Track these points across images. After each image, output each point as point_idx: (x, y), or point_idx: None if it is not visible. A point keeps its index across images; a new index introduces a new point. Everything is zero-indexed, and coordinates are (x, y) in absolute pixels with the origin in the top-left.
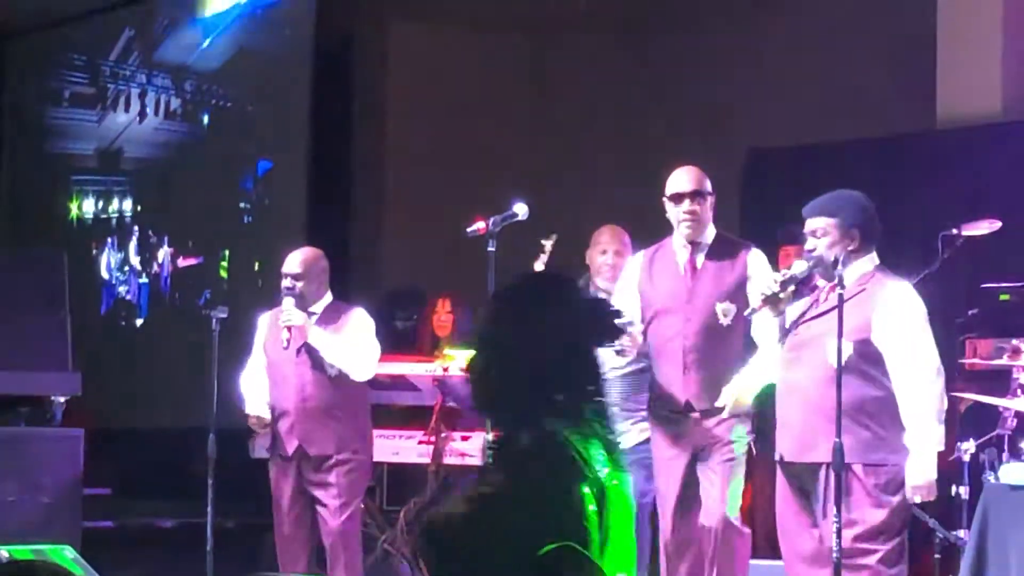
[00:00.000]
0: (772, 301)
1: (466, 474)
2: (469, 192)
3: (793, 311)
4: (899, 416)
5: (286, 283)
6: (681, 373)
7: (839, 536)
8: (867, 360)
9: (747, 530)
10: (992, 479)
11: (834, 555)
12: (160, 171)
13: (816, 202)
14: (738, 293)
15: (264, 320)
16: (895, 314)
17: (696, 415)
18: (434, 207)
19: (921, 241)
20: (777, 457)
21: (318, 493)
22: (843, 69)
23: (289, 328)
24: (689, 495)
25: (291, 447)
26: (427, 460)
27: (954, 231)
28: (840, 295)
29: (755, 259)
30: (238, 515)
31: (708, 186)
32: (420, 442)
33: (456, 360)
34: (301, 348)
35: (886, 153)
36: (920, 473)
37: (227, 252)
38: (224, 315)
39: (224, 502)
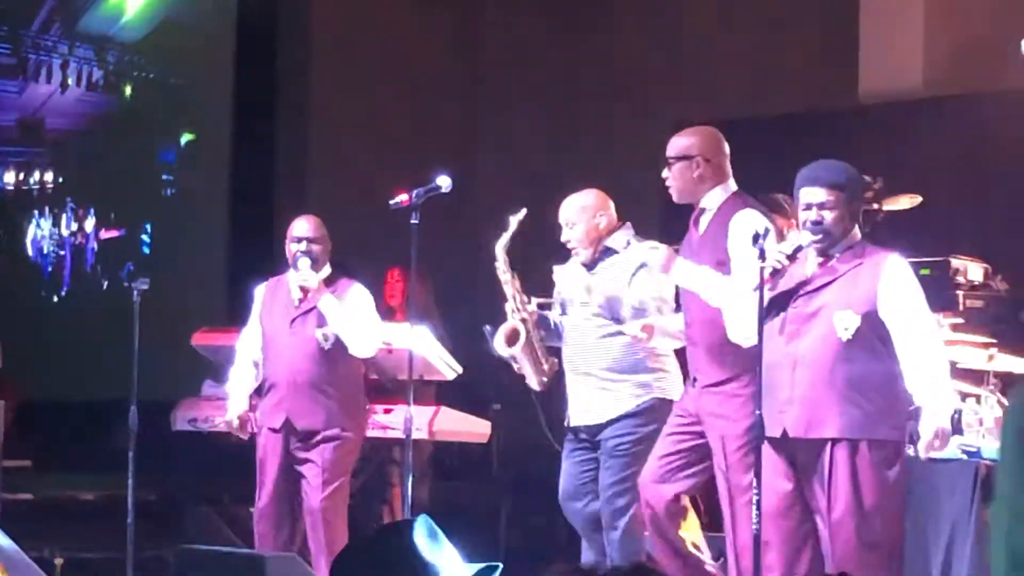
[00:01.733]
0: (777, 276)
1: (388, 447)
2: (395, 163)
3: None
4: (901, 390)
5: (301, 247)
6: (691, 347)
7: (759, 507)
8: (875, 334)
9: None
10: (911, 452)
11: (754, 527)
12: (82, 143)
13: (818, 173)
14: (725, 260)
15: (261, 290)
16: (901, 286)
17: (699, 386)
18: (359, 178)
19: None
20: (776, 434)
21: (303, 469)
22: (767, 44)
23: (304, 291)
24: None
25: (279, 420)
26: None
27: (875, 206)
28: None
29: (737, 220)
30: (159, 488)
31: (681, 150)
32: (362, 421)
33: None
34: (296, 319)
35: (808, 128)
36: (938, 422)
37: (149, 224)
38: (145, 287)
39: (145, 474)
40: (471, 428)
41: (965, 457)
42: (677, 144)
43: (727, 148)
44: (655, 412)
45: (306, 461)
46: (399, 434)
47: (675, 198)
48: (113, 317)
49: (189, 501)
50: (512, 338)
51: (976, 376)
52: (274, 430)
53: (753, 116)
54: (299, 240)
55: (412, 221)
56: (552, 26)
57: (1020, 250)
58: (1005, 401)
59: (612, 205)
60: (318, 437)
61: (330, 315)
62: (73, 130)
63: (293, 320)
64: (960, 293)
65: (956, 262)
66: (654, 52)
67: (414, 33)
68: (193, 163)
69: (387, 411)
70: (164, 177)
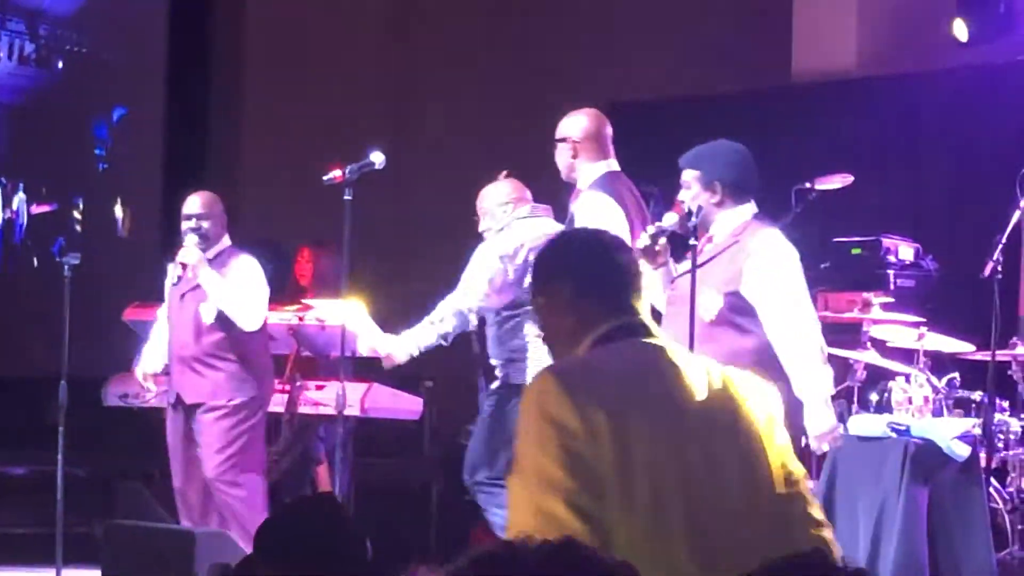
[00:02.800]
0: (648, 254)
1: (320, 423)
2: (328, 139)
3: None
4: (775, 365)
5: (190, 224)
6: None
7: None
8: (738, 311)
9: None
10: (841, 430)
11: None
12: (13, 117)
13: (686, 154)
14: None
15: (171, 267)
16: (765, 262)
17: None
18: (293, 154)
19: (775, 195)
20: None
21: (199, 442)
22: (700, 23)
23: (184, 266)
24: None
25: (173, 396)
26: (281, 409)
27: (807, 185)
28: (694, 247)
29: (581, 201)
30: (89, 464)
31: (560, 132)
32: (274, 391)
33: (311, 310)
34: (186, 294)
35: (742, 107)
36: (822, 421)
37: (81, 199)
38: (76, 262)
39: (75, 451)
40: (403, 405)
41: (894, 435)
42: (559, 126)
43: (608, 129)
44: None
45: (199, 434)
46: (331, 411)
47: (562, 176)
48: (44, 293)
49: (120, 477)
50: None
51: (906, 355)
52: (172, 406)
53: (686, 96)
54: (188, 217)
55: (345, 197)
56: (485, 6)
57: (951, 230)
58: (935, 380)
59: (515, 193)
60: (205, 408)
61: (209, 289)
62: (4, 104)
63: (183, 295)
64: (891, 272)
65: (887, 241)
66: (586, 32)
67: (348, 9)
68: (126, 138)
69: (319, 387)
70: (96, 152)
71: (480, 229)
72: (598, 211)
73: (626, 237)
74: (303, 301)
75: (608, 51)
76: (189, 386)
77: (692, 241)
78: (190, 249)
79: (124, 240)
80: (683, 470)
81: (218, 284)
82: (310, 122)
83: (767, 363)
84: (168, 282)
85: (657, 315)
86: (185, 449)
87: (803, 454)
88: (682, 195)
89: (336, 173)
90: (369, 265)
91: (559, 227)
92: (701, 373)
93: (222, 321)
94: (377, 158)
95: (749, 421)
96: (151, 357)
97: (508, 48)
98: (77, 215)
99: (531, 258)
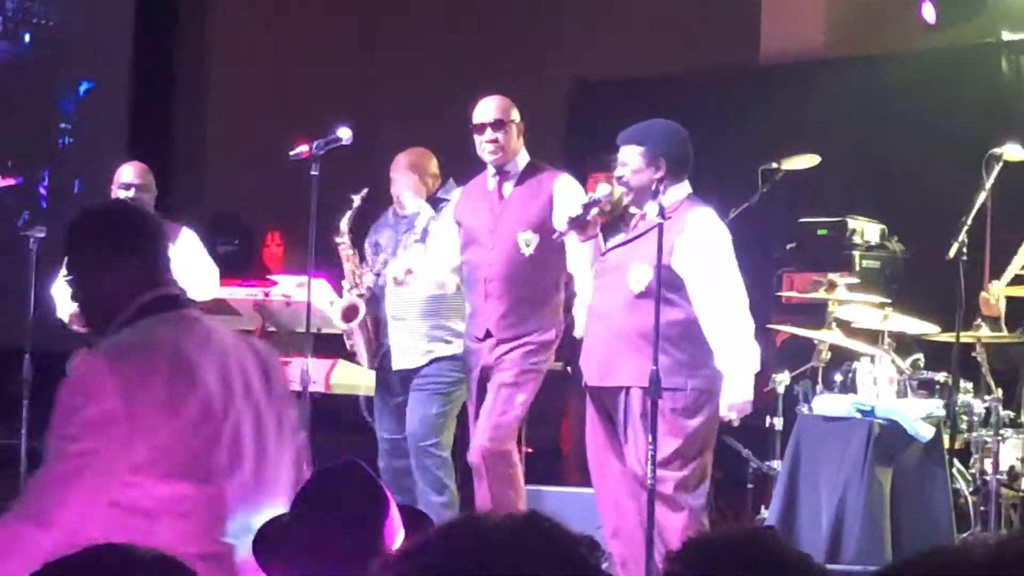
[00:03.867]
0: (578, 225)
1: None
2: (295, 114)
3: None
4: (701, 340)
5: (129, 194)
6: (483, 301)
7: (654, 463)
8: (667, 285)
9: (514, 455)
10: (805, 410)
11: (649, 481)
12: None
13: (627, 130)
14: (544, 222)
15: None
16: (695, 239)
17: (493, 341)
18: (259, 129)
19: (742, 174)
20: (583, 383)
21: None
22: (669, 2)
23: None
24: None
25: None
26: None
27: (774, 165)
28: (632, 225)
29: (562, 185)
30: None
31: (513, 115)
32: None
33: (277, 285)
34: None
35: (709, 86)
36: (737, 392)
37: (47, 173)
38: (42, 235)
39: (40, 424)
40: (367, 381)
41: (858, 415)
42: (503, 107)
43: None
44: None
45: None
46: (296, 387)
47: (499, 160)
48: (9, 266)
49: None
50: (350, 314)
51: (871, 335)
52: None
53: (654, 75)
54: (127, 187)
55: (312, 172)
56: None
57: (917, 211)
58: (899, 361)
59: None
60: None
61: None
62: None
63: None
64: (856, 253)
65: (853, 222)
66: (553, 9)
67: None
68: (92, 112)
69: (284, 364)
70: (62, 125)
71: (404, 194)
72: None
73: None
74: (268, 277)
75: (575, 28)
76: None
77: (648, 217)
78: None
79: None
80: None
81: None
82: (277, 97)
83: (695, 337)
84: None
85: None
86: None
87: (767, 433)
88: (619, 171)
89: (303, 148)
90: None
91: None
92: (232, 343)
93: None
94: (344, 134)
95: (273, 384)
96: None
97: (475, 25)
98: (43, 189)
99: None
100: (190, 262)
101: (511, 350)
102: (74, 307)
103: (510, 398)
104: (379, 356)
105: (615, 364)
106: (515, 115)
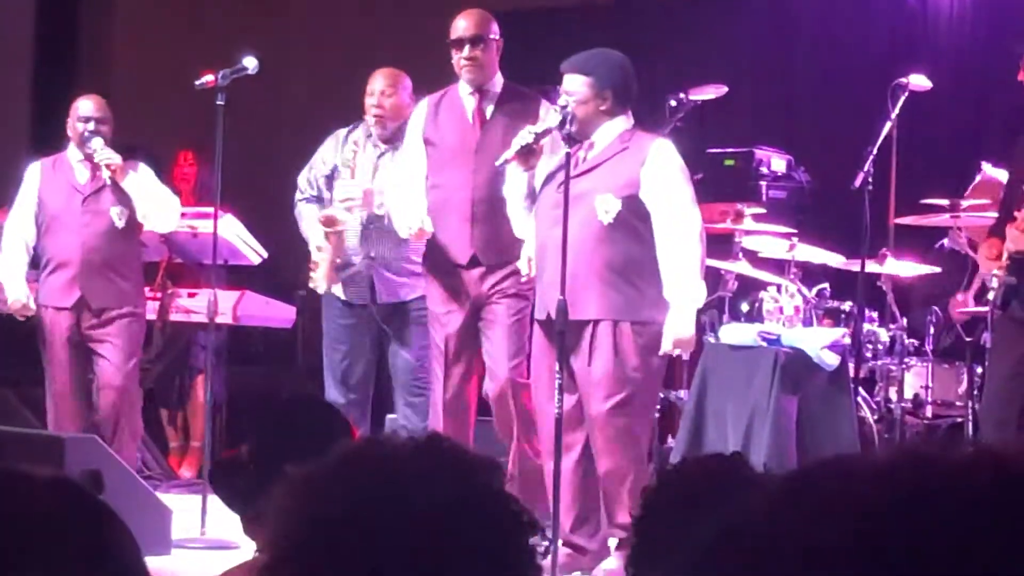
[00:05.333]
0: (525, 153)
1: (192, 331)
2: (202, 43)
3: (543, 170)
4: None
5: (89, 126)
6: (469, 226)
7: (560, 392)
8: (636, 216)
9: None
10: (712, 340)
11: (556, 411)
12: None
13: (574, 59)
14: None
15: (36, 168)
16: (664, 170)
17: (482, 269)
18: (166, 59)
19: (650, 106)
20: (542, 316)
21: (101, 348)
22: None
23: (111, 169)
24: (464, 349)
25: (70, 299)
26: (153, 317)
27: (682, 96)
28: (568, 154)
29: (548, 110)
30: None
31: (491, 31)
32: (146, 298)
33: (184, 217)
34: (88, 198)
35: (615, 18)
36: (683, 326)
37: None
38: None
39: None
40: (276, 313)
41: (764, 344)
42: (481, 23)
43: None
44: None
45: (103, 340)
46: (203, 318)
47: (476, 79)
48: None
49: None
50: (329, 222)
51: (777, 265)
52: (62, 308)
53: (559, 6)
54: (87, 119)
55: (218, 102)
56: None
57: (822, 142)
58: (805, 290)
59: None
60: (113, 314)
61: (135, 194)
62: None
63: (85, 199)
64: (763, 184)
65: (760, 153)
66: None
67: None
68: None
69: (191, 295)
70: None
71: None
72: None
73: None
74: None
75: None
76: (99, 290)
77: (565, 149)
78: (109, 151)
79: None
80: None
81: (141, 187)
82: (183, 24)
83: (654, 275)
84: (30, 187)
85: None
86: (71, 351)
87: (674, 363)
88: (563, 99)
89: (208, 78)
90: (243, 170)
91: None
92: None
93: (127, 228)
94: (250, 63)
95: None
96: (18, 278)
97: None
98: None
99: None
100: (151, 195)
101: (504, 278)
102: (24, 291)
103: (518, 329)
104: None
105: (583, 297)
106: (495, 30)
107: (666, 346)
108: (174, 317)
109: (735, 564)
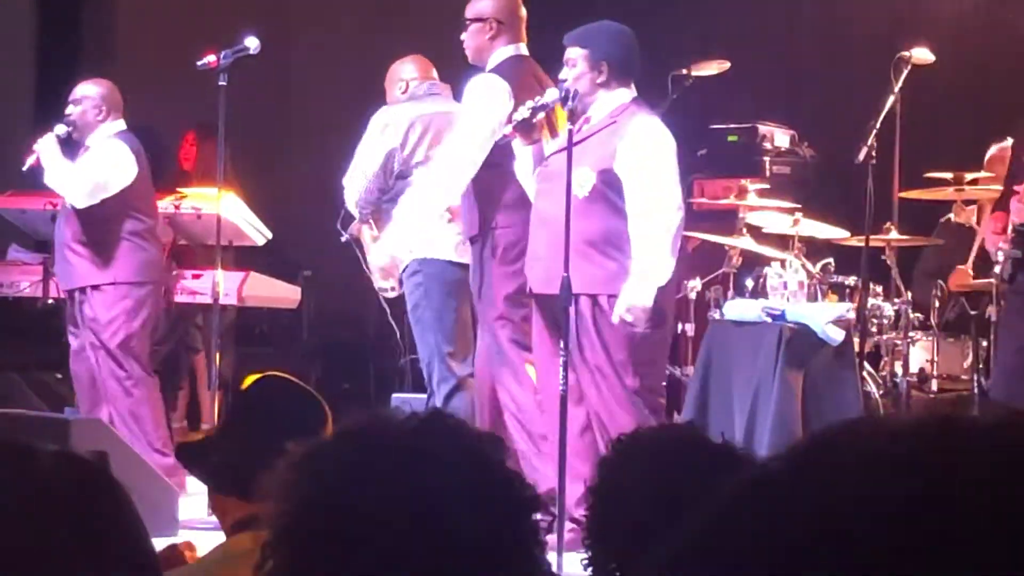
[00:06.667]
0: (524, 128)
1: (197, 312)
2: (205, 24)
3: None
4: None
5: (67, 110)
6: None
7: (565, 370)
8: (612, 189)
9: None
10: (717, 316)
11: (560, 388)
12: None
13: (573, 32)
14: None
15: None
16: (638, 143)
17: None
18: (169, 40)
19: (652, 81)
20: (528, 289)
21: (81, 328)
22: None
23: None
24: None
25: (60, 283)
26: None
27: (684, 71)
28: (571, 130)
29: (470, 84)
30: None
31: (474, 13)
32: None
33: (188, 198)
34: None
35: None
36: (636, 294)
37: None
38: None
39: None
40: (280, 294)
41: (769, 319)
42: (472, 5)
43: (523, 12)
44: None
45: (82, 319)
46: (207, 299)
47: (470, 59)
48: None
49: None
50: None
51: (782, 241)
52: (67, 294)
53: None
54: (67, 102)
55: (220, 83)
56: None
57: (826, 116)
58: (809, 266)
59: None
60: (85, 294)
61: (47, 171)
62: None
63: None
64: (767, 159)
65: (763, 128)
66: None
67: None
68: None
69: (195, 276)
70: None
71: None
72: (483, 92)
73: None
74: (179, 190)
75: None
76: (62, 272)
77: (568, 125)
78: (46, 136)
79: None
80: None
81: (53, 166)
82: (186, 7)
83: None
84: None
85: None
86: (74, 337)
87: (679, 340)
88: (564, 73)
89: (210, 58)
90: (248, 151)
91: (456, 106)
92: None
93: (87, 207)
94: (252, 43)
95: None
96: None
97: None
98: None
99: (414, 134)
100: (57, 172)
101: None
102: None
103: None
104: None
105: (560, 270)
106: (479, 11)
107: (617, 311)
108: (179, 298)
109: (756, 519)
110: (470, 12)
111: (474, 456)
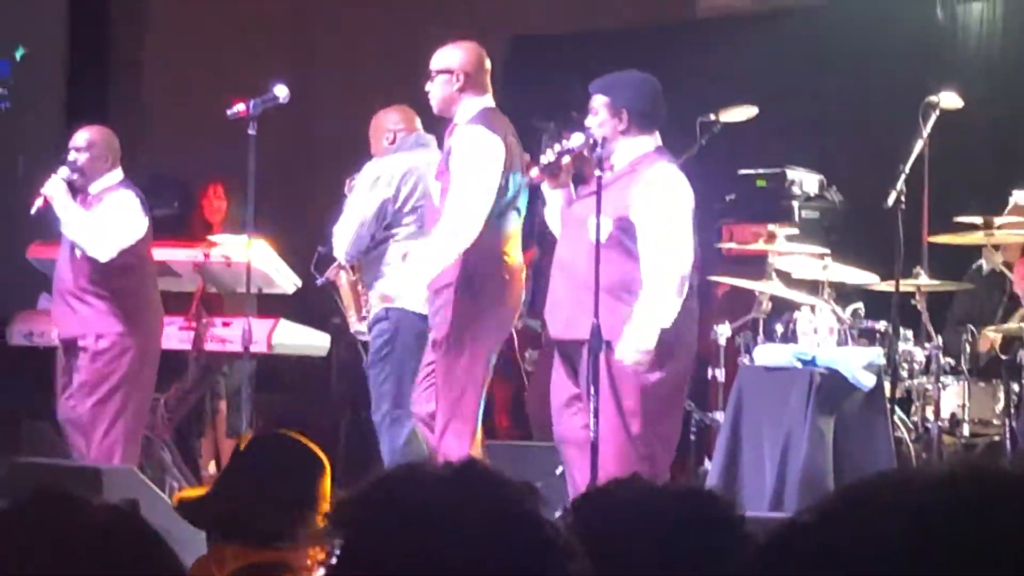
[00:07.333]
0: (550, 171)
1: (227, 360)
2: (233, 74)
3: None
4: None
5: (70, 156)
6: None
7: (596, 416)
8: (628, 236)
9: None
10: (747, 361)
11: (592, 435)
12: None
13: (598, 80)
14: (442, 172)
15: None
16: (652, 189)
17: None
18: (198, 89)
19: (680, 127)
20: (552, 334)
21: (74, 378)
22: None
23: (46, 199)
24: None
25: (55, 332)
26: (188, 346)
27: (712, 117)
28: (599, 177)
29: (458, 135)
30: None
31: (442, 64)
32: (181, 328)
33: (216, 246)
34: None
35: (647, 41)
36: (641, 339)
37: None
38: None
39: None
40: (310, 341)
41: (799, 365)
42: (439, 57)
43: (488, 64)
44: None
45: (74, 370)
46: (237, 347)
47: (435, 110)
48: None
49: (25, 416)
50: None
51: (811, 286)
52: (61, 341)
53: (591, 31)
54: (69, 150)
55: (249, 131)
56: None
57: (854, 161)
58: (839, 310)
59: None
60: (78, 345)
61: (63, 220)
62: None
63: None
64: (796, 204)
65: (792, 173)
66: None
67: None
68: (28, 77)
69: (225, 324)
70: None
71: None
72: (480, 145)
73: (500, 173)
74: (208, 238)
75: None
76: (62, 320)
77: (597, 172)
78: (53, 181)
79: (26, 178)
80: None
81: (72, 216)
82: (214, 55)
83: None
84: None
85: (551, 237)
86: (66, 385)
87: (708, 385)
88: (589, 121)
89: (240, 107)
90: (275, 200)
91: (437, 156)
92: None
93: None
94: (281, 92)
95: None
96: None
97: None
98: None
99: (406, 186)
100: (78, 224)
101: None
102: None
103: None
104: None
105: (578, 316)
106: (446, 63)
107: (618, 353)
108: (209, 347)
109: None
110: (437, 64)
111: (509, 505)
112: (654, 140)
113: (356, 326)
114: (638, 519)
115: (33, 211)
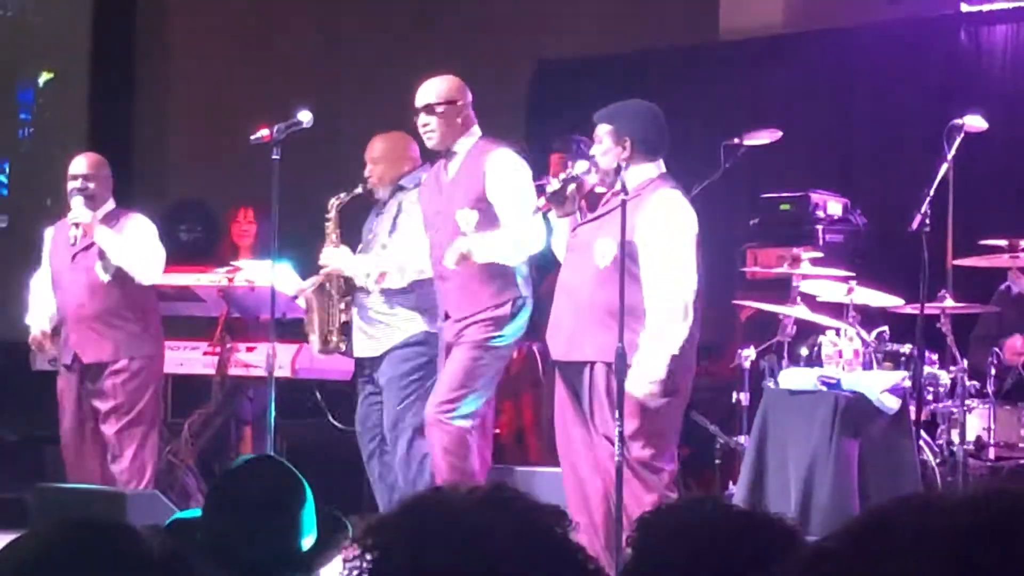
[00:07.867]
0: (556, 200)
1: (251, 385)
2: (258, 99)
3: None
4: None
5: (76, 184)
6: (441, 283)
7: (621, 440)
8: (631, 260)
9: (454, 427)
10: (771, 385)
11: (616, 458)
12: None
13: (603, 109)
14: (479, 198)
15: (50, 232)
16: (655, 215)
17: (451, 320)
18: (222, 115)
19: (704, 151)
20: (555, 357)
21: (96, 402)
22: None
23: (78, 226)
24: None
25: (69, 356)
26: (212, 371)
27: (736, 140)
28: (623, 201)
29: (494, 159)
30: (20, 428)
31: (447, 97)
32: (205, 353)
33: (242, 271)
34: (78, 254)
35: (670, 64)
36: (652, 368)
37: (7, 164)
38: (4, 225)
39: (5, 415)
40: (334, 365)
41: (824, 389)
42: (434, 91)
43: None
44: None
45: (98, 394)
46: (261, 372)
47: (436, 144)
48: None
49: (50, 441)
50: (318, 288)
51: (836, 309)
52: (68, 367)
53: (614, 54)
54: (75, 178)
55: (273, 156)
56: None
57: (878, 184)
58: (864, 334)
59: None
60: (107, 370)
61: (107, 246)
62: None
63: (74, 256)
64: (820, 227)
65: (816, 196)
66: None
67: None
68: (52, 102)
69: (250, 349)
70: (22, 117)
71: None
72: (519, 167)
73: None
74: (232, 263)
75: (535, 8)
76: (89, 345)
77: (620, 195)
78: (81, 209)
79: (50, 203)
80: None
81: (114, 241)
82: (238, 81)
83: None
84: (45, 250)
85: (556, 263)
86: (76, 408)
87: (733, 408)
88: (594, 149)
89: (264, 132)
90: (300, 225)
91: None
92: None
93: (117, 279)
94: (305, 117)
95: None
96: (40, 317)
97: (436, 7)
98: (3, 179)
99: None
100: (123, 249)
101: (466, 327)
102: (43, 319)
103: (456, 372)
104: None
105: (580, 339)
106: (452, 96)
107: (629, 383)
108: (233, 371)
109: None
110: (439, 96)
111: (537, 529)
112: (657, 167)
113: (318, 348)
114: (706, 539)
115: (75, 242)
